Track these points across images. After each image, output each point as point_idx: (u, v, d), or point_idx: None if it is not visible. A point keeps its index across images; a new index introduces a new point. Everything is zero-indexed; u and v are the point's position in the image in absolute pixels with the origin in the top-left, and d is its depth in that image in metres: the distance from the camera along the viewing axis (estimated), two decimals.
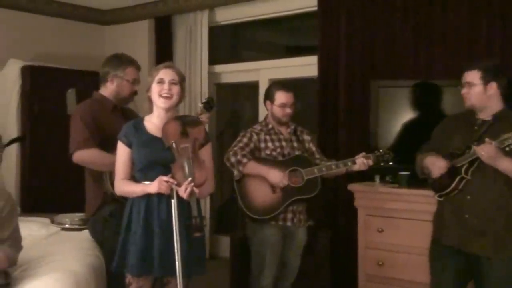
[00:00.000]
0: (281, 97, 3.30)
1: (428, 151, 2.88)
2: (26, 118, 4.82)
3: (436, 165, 2.75)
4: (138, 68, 3.12)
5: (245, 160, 3.20)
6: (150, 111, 2.64)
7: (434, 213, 2.92)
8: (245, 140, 3.29)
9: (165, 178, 2.43)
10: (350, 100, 4.27)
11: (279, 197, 3.22)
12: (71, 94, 4.94)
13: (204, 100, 3.31)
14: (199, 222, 2.39)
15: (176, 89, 2.55)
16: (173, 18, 5.45)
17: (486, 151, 2.54)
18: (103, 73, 3.08)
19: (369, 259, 3.66)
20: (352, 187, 3.74)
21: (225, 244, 5.05)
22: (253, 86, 5.23)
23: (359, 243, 3.71)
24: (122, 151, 2.58)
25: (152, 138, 2.55)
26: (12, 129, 4.83)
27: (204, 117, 3.03)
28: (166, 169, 2.47)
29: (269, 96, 3.36)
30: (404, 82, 3.84)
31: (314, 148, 3.43)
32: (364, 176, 3.67)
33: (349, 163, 3.23)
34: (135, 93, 3.10)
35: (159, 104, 2.55)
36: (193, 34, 5.28)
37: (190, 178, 2.40)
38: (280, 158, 3.28)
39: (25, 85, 4.80)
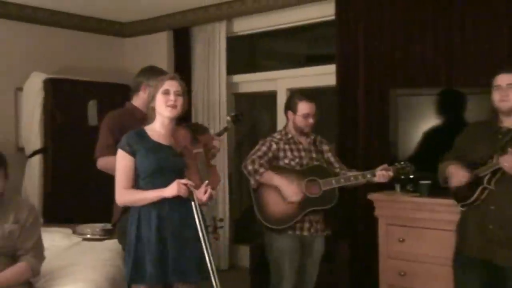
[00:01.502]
0: (304, 107, 3.29)
1: (451, 160, 2.84)
2: (48, 129, 4.88)
3: (456, 175, 2.71)
4: None
5: (262, 169, 3.20)
6: (151, 121, 2.65)
7: (457, 223, 2.89)
8: (264, 148, 3.29)
9: (183, 181, 2.46)
10: (369, 109, 4.25)
11: (295, 207, 3.21)
12: (92, 106, 5.03)
13: (232, 114, 3.39)
14: (217, 223, 2.43)
15: (180, 100, 2.60)
16: (191, 30, 5.49)
17: (509, 161, 2.51)
18: (136, 83, 3.16)
19: (391, 269, 3.62)
20: (372, 196, 3.71)
21: (244, 253, 5.05)
22: (271, 96, 5.25)
23: (380, 253, 3.68)
24: (125, 160, 2.58)
25: (159, 144, 2.58)
26: (35, 141, 4.91)
27: (216, 145, 3.04)
28: (175, 175, 2.50)
29: (291, 107, 3.35)
30: (424, 91, 3.81)
31: (332, 158, 3.41)
32: (384, 185, 3.64)
33: (369, 175, 3.20)
34: None
35: (166, 113, 2.58)
36: (211, 45, 5.32)
37: (207, 181, 2.44)
38: (298, 168, 3.28)
39: (48, 97, 4.88)
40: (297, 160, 3.29)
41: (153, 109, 2.62)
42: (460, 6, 3.89)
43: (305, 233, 3.27)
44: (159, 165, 2.54)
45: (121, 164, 2.59)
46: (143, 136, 2.61)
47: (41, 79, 4.90)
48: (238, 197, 5.64)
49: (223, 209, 5.26)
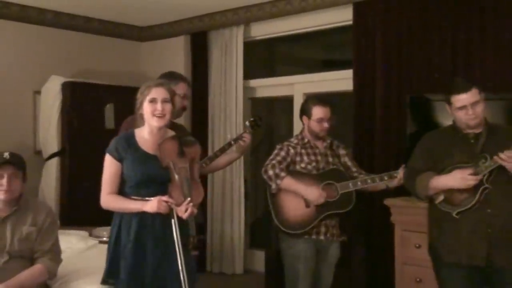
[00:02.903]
0: (318, 112, 3.29)
1: (420, 171, 2.75)
2: (65, 132, 4.93)
3: (465, 177, 2.58)
4: (189, 85, 3.24)
5: (283, 174, 3.20)
6: (141, 125, 2.61)
7: (434, 232, 2.77)
8: (282, 153, 3.29)
9: (164, 198, 2.42)
10: (386, 115, 4.22)
11: (312, 211, 3.21)
12: (109, 109, 5.07)
13: (251, 119, 3.41)
14: (196, 241, 2.41)
15: (168, 107, 2.53)
16: (208, 34, 5.51)
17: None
18: None
19: (407, 276, 3.59)
20: (389, 201, 3.68)
21: (260, 258, 5.04)
22: (288, 100, 5.24)
23: (396, 259, 3.65)
24: (112, 167, 2.54)
25: (147, 155, 2.53)
26: (53, 143, 4.96)
27: (246, 138, 3.10)
28: (160, 187, 2.47)
29: (305, 112, 3.35)
30: (442, 97, 3.77)
31: (349, 163, 3.40)
32: (400, 191, 3.61)
33: (386, 177, 3.19)
34: (184, 108, 3.17)
35: (153, 123, 2.53)
36: (228, 50, 5.33)
37: (189, 199, 2.41)
38: (315, 172, 3.27)
39: (65, 100, 4.93)
40: (313, 164, 3.28)
41: (141, 116, 2.57)
42: (479, 11, 3.86)
43: (321, 237, 3.26)
44: (145, 177, 2.50)
45: (108, 170, 2.55)
46: (132, 142, 2.55)
47: (59, 83, 4.95)
48: (253, 201, 5.63)
49: (238, 214, 5.26)
